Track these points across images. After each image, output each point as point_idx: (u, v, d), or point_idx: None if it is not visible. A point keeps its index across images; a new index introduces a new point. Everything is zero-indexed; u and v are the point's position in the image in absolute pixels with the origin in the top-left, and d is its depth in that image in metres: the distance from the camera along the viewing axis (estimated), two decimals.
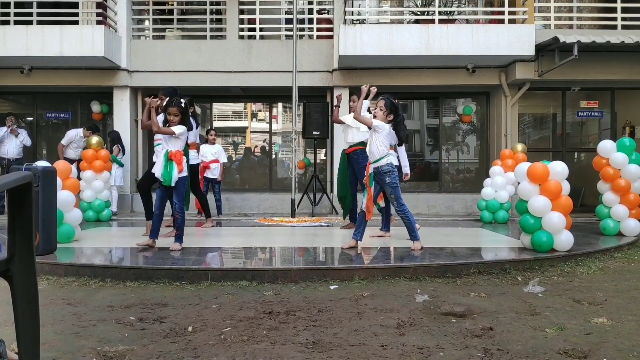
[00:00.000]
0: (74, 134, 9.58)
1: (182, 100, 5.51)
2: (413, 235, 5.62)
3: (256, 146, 11.54)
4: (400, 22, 9.71)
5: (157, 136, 6.03)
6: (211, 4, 10.23)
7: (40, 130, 11.08)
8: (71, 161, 8.32)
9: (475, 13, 9.75)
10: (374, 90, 5.60)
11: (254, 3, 10.13)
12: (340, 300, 3.89)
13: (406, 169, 6.50)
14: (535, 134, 11.43)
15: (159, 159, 5.42)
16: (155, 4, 10.41)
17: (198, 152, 7.13)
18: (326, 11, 10.45)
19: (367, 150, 5.66)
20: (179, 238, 5.50)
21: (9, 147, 9.68)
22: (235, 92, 10.67)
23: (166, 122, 5.48)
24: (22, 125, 10.72)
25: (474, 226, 8.12)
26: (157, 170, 5.38)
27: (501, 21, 9.11)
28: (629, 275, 4.84)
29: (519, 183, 5.62)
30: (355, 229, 5.72)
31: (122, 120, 9.95)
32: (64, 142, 9.57)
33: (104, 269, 4.71)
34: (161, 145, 5.66)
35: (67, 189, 5.99)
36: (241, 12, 10.18)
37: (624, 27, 9.34)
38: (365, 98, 5.70)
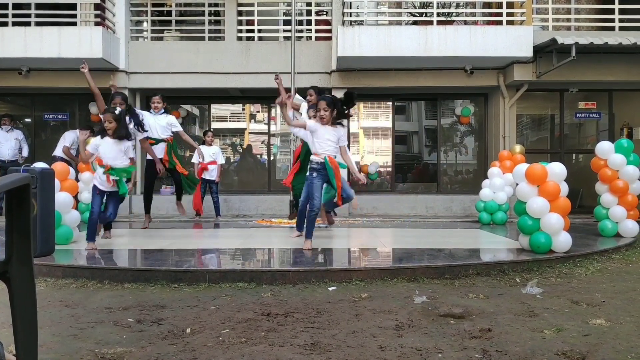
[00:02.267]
0: (75, 135, 9.47)
1: (118, 109, 5.71)
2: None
3: (258, 152, 11.53)
4: (399, 23, 9.71)
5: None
6: (209, 5, 10.23)
7: (38, 132, 11.07)
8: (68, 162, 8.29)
9: (473, 14, 9.77)
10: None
11: (252, 4, 10.14)
12: (338, 301, 3.89)
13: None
14: (534, 135, 11.45)
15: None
16: (153, 5, 10.41)
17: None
18: (324, 12, 10.46)
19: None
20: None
21: (5, 149, 9.65)
22: (233, 94, 10.67)
23: (104, 129, 5.62)
24: (20, 126, 10.71)
25: (472, 227, 8.12)
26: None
27: (499, 23, 9.12)
28: (627, 276, 4.85)
29: (517, 184, 5.62)
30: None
31: None
32: (67, 144, 9.43)
33: (102, 270, 4.70)
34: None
35: (65, 190, 5.99)
36: (239, 13, 10.19)
37: (621, 28, 9.36)
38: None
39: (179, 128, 7.53)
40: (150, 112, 7.35)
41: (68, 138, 9.38)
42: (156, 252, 5.58)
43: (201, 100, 11.00)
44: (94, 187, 5.70)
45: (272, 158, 11.15)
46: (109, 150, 5.56)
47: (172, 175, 7.69)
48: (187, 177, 7.62)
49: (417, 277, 4.63)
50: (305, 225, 5.76)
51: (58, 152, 9.15)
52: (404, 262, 5.06)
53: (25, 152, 9.93)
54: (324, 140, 5.53)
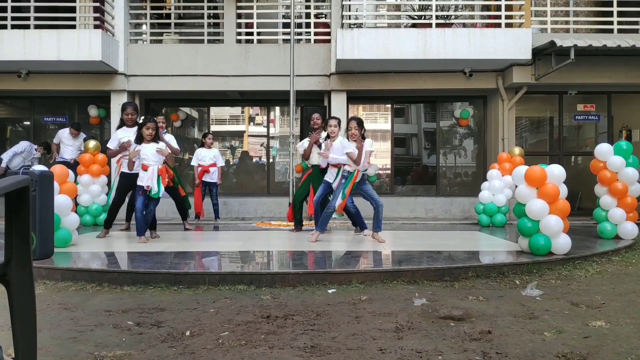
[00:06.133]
0: (61, 131, 9.66)
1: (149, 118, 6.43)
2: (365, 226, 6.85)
3: (257, 155, 11.53)
4: (398, 26, 9.72)
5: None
6: (209, 8, 10.24)
7: (37, 135, 11.05)
8: (67, 164, 8.29)
9: (472, 17, 9.78)
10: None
11: (251, 7, 10.15)
12: (338, 304, 3.89)
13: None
14: (533, 138, 11.46)
15: (153, 174, 6.17)
16: (152, 8, 10.42)
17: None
18: (323, 15, 10.47)
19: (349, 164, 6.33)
20: (141, 232, 6.33)
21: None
22: (232, 96, 10.67)
23: (141, 138, 6.25)
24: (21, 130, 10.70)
25: (471, 229, 8.12)
26: (150, 183, 6.16)
27: (498, 25, 9.13)
28: (626, 278, 4.85)
29: (516, 186, 5.63)
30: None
31: None
32: (55, 140, 9.68)
33: (101, 273, 4.70)
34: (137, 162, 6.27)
35: (64, 193, 5.98)
36: (239, 16, 10.19)
37: (620, 30, 9.37)
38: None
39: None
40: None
41: (56, 135, 9.64)
42: (155, 254, 5.58)
43: (200, 103, 11.00)
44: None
45: (271, 161, 11.15)
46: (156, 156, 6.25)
47: (172, 194, 7.48)
48: (184, 197, 7.69)
49: (417, 280, 4.63)
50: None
51: (66, 155, 9.40)
52: (403, 264, 5.06)
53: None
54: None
